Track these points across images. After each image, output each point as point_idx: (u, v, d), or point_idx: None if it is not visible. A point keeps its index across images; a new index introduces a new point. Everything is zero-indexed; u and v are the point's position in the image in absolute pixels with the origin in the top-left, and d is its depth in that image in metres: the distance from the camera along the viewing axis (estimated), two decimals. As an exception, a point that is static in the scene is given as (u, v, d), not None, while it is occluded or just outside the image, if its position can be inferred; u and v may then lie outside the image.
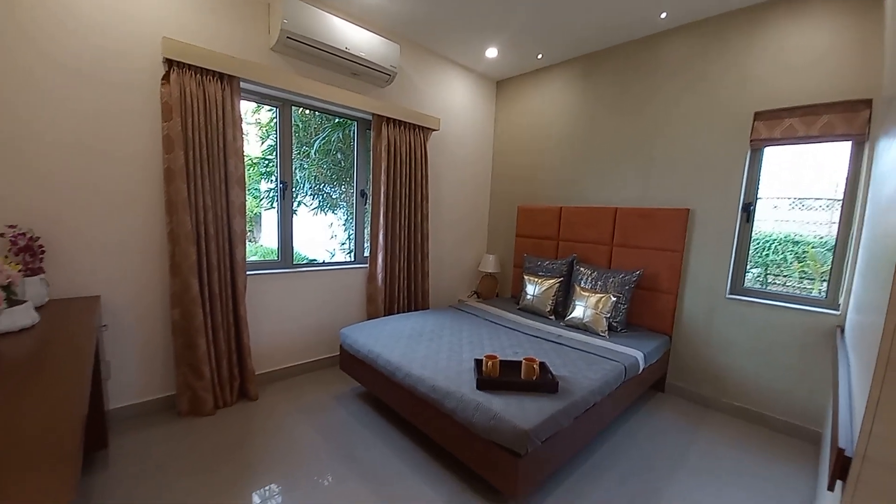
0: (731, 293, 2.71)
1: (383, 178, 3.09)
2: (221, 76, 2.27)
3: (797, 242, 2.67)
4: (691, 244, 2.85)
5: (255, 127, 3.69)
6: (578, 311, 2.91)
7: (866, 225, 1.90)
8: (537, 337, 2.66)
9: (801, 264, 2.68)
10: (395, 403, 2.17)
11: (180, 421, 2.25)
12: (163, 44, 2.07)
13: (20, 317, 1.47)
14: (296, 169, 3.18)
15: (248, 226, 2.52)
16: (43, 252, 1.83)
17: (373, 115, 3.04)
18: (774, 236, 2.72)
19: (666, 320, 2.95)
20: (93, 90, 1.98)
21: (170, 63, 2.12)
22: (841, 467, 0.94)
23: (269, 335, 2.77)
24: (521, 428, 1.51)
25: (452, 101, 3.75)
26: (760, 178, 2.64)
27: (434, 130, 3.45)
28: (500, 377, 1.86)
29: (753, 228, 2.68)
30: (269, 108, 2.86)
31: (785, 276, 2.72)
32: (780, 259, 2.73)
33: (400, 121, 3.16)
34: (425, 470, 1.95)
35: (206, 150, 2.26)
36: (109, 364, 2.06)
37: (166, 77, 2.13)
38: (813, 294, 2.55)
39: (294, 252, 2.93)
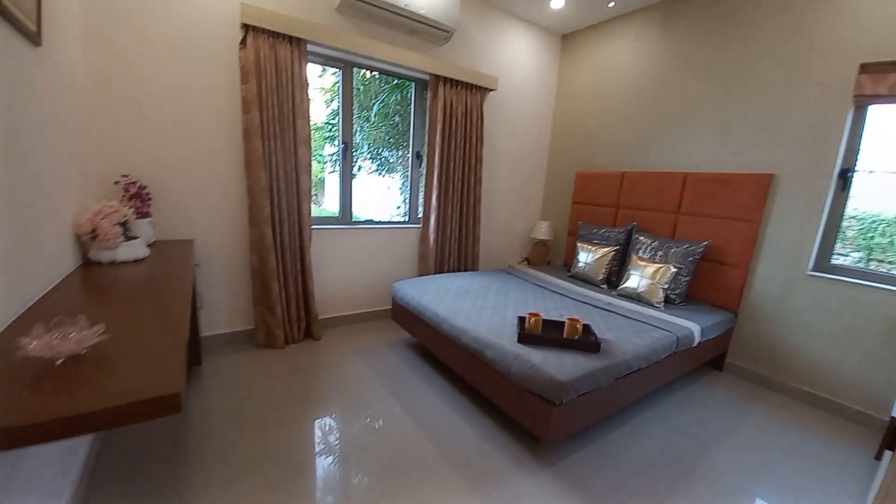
0: (814, 270, 2.44)
1: (438, 139, 3.13)
2: (290, 39, 2.42)
3: None
4: (771, 214, 2.58)
5: (319, 93, 3.88)
6: (633, 281, 2.81)
7: None
8: (585, 303, 2.63)
9: None
10: (441, 352, 2.32)
11: (257, 351, 2.60)
12: (241, 9, 2.24)
13: (136, 249, 1.78)
14: (356, 132, 3.32)
15: (312, 189, 2.72)
16: (150, 198, 2.16)
17: (430, 75, 3.05)
18: (884, 217, 2.34)
19: (732, 296, 2.74)
20: (183, 57, 2.22)
21: (246, 28, 2.29)
22: (892, 436, 0.88)
23: (330, 285, 3.03)
24: (557, 379, 1.55)
25: (512, 59, 3.61)
26: (862, 141, 2.28)
27: (491, 90, 3.38)
28: (541, 334, 1.90)
29: (850, 201, 2.34)
30: (332, 70, 2.98)
31: (890, 262, 2.34)
32: (888, 243, 2.35)
33: (457, 80, 3.14)
34: (465, 411, 2.10)
35: (278, 111, 2.45)
36: (202, 296, 2.43)
37: (243, 42, 2.32)
38: None
39: (353, 211, 3.13)
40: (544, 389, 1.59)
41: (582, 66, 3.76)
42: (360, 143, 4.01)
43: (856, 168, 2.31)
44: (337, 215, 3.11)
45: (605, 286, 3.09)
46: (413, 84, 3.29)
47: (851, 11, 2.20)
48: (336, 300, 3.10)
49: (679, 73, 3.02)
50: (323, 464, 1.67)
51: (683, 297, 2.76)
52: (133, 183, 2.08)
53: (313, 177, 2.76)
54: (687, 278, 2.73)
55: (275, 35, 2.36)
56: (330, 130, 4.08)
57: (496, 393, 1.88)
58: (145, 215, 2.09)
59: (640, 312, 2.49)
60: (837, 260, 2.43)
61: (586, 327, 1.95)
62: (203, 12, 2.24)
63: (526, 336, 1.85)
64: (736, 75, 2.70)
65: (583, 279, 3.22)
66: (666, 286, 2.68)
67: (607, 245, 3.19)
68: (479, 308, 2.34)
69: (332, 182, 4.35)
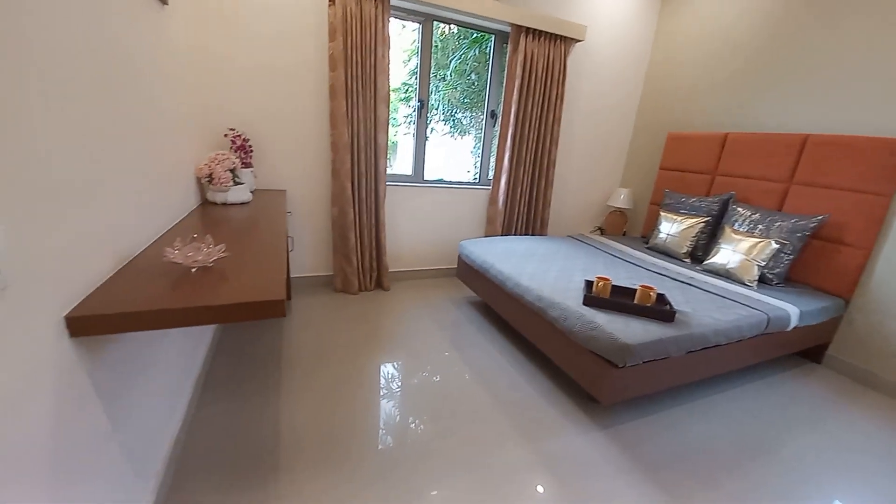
0: (968, 256, 2.00)
1: (515, 96, 3.03)
2: (374, -7, 2.46)
3: None
4: (915, 186, 2.13)
5: (397, 53, 3.91)
6: (723, 256, 2.55)
7: None
8: (663, 275, 2.46)
9: None
10: (503, 310, 2.37)
11: (335, 294, 2.88)
12: (329, -35, 2.31)
13: (242, 193, 2.04)
14: (431, 91, 3.33)
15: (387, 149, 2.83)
16: (251, 151, 2.43)
17: (511, 25, 2.91)
18: None
19: (845, 280, 2.37)
20: (277, 17, 2.38)
21: (334, -16, 2.37)
22: None
23: (400, 240, 3.20)
24: (621, 341, 1.52)
25: (604, 5, 3.28)
26: None
27: (578, 41, 3.13)
28: (609, 298, 1.85)
29: None
30: (412, 27, 2.98)
31: None
32: None
33: (539, 31, 2.96)
34: (524, 368, 2.15)
35: (361, 68, 2.55)
36: (292, 239, 2.73)
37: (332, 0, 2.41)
38: None
39: (424, 171, 3.21)
40: (606, 350, 1.56)
41: (686, 13, 3.30)
42: (435, 104, 4.01)
43: None
44: (409, 174, 3.21)
45: (687, 260, 2.85)
46: (493, 37, 3.18)
47: None
48: (405, 255, 3.27)
49: (802, 16, 2.52)
50: (385, 405, 1.83)
51: (783, 277, 2.45)
52: (238, 136, 2.34)
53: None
54: (790, 256, 2.41)
55: (360, -10, 2.41)
56: (406, 91, 4.14)
57: (556, 351, 1.89)
58: (248, 165, 2.37)
59: (726, 289, 2.27)
60: None
61: (661, 296, 1.85)
62: (297, -29, 2.35)
63: (592, 298, 1.81)
64: (876, 17, 2.18)
65: (663, 251, 3.00)
66: (763, 263, 2.39)
67: (696, 216, 2.90)
68: (545, 270, 2.32)
69: (405, 144, 4.46)
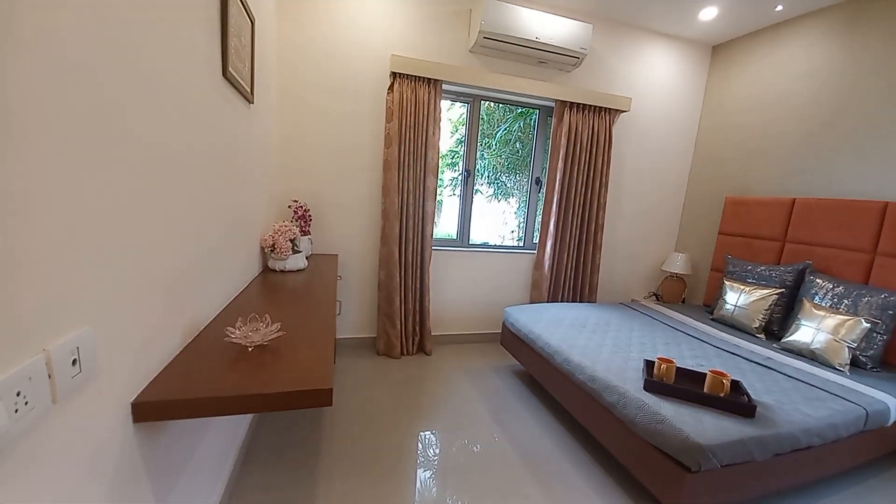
0: None
1: (560, 164, 3.08)
2: (429, 81, 2.70)
3: None
4: None
5: (446, 124, 4.20)
6: (805, 334, 2.26)
7: None
8: (734, 354, 2.21)
9: None
10: (550, 385, 2.21)
11: (377, 358, 2.87)
12: (391, 60, 2.60)
13: (299, 261, 2.17)
14: (477, 159, 3.48)
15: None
16: (311, 219, 2.62)
17: (555, 101, 3.04)
18: None
19: (971, 371, 1.99)
20: (340, 102, 2.68)
21: (394, 75, 2.65)
22: None
23: (444, 303, 3.19)
24: (694, 441, 1.34)
25: (648, 77, 3.37)
26: None
27: (623, 112, 3.19)
28: (674, 384, 1.67)
29: None
30: (461, 104, 3.22)
31: None
32: None
33: (584, 104, 3.06)
34: (572, 453, 1.95)
35: (413, 144, 2.74)
36: (340, 304, 2.81)
37: (391, 87, 2.68)
38: None
39: (470, 235, 3.26)
40: (677, 450, 1.38)
41: (738, 78, 3.29)
42: (481, 170, 4.18)
43: None
44: (454, 237, 3.28)
45: (762, 336, 2.56)
46: (538, 111, 3.33)
47: None
48: (448, 319, 3.24)
49: (874, 80, 2.40)
50: (422, 476, 1.74)
51: (878, 361, 2.12)
52: (301, 206, 2.55)
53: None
54: (885, 337, 2.10)
55: (416, 79, 2.67)
56: (452, 158, 4.38)
57: (614, 442, 1.70)
58: (306, 233, 2.54)
59: (813, 375, 1.98)
60: None
61: (735, 384, 1.64)
62: (361, 64, 2.67)
63: (654, 384, 1.64)
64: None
65: (731, 325, 2.72)
66: (853, 345, 2.09)
67: (768, 286, 2.65)
68: (598, 344, 2.17)
69: (449, 204, 4.62)
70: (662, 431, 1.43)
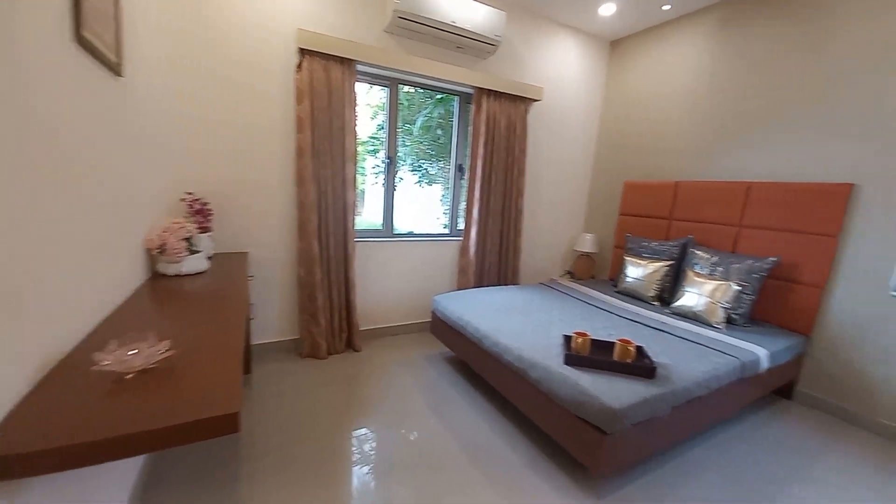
0: (905, 291, 2.15)
1: (481, 151, 3.12)
2: (342, 60, 2.52)
3: None
4: (851, 228, 2.32)
5: (364, 109, 4.01)
6: (689, 299, 2.62)
7: None
8: (636, 321, 2.48)
9: None
10: (482, 369, 2.27)
11: (301, 361, 2.68)
12: (297, 35, 2.37)
13: (198, 263, 1.90)
14: (399, 146, 3.39)
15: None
16: (211, 214, 2.31)
17: (474, 88, 3.05)
18: None
19: (805, 318, 2.48)
20: (242, 79, 2.37)
21: (302, 52, 2.41)
22: None
23: (371, 296, 3.08)
24: (609, 406, 1.46)
25: (558, 68, 3.55)
26: (975, 143, 1.99)
27: (536, 101, 3.33)
28: (589, 355, 1.81)
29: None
30: (379, 87, 3.07)
31: None
32: None
33: (500, 92, 3.12)
34: (506, 432, 2.03)
35: (328, 129, 2.55)
36: (254, 307, 2.55)
37: (300, 66, 2.44)
38: None
39: (394, 224, 3.18)
40: (595, 416, 1.50)
41: (632, 72, 3.62)
42: (403, 157, 4.08)
43: (960, 177, 2.02)
44: (379, 227, 3.17)
45: (656, 303, 2.91)
46: (457, 97, 3.32)
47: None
48: (376, 312, 3.14)
49: (744, 76, 2.81)
50: (359, 475, 1.69)
51: (747, 317, 2.53)
52: (196, 200, 2.23)
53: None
54: (751, 297, 2.51)
55: (328, 57, 2.47)
56: (373, 144, 4.21)
57: (540, 415, 1.80)
58: (206, 230, 2.23)
59: (698, 334, 2.31)
60: (938, 281, 2.13)
61: (639, 349, 1.83)
62: (263, 38, 2.38)
63: (573, 357, 1.77)
64: (811, 77, 2.47)
65: (632, 295, 3.05)
66: (727, 305, 2.47)
67: (659, 259, 3.01)
68: (523, 325, 2.27)
69: (373, 193, 4.47)
70: (582, 401, 1.55)
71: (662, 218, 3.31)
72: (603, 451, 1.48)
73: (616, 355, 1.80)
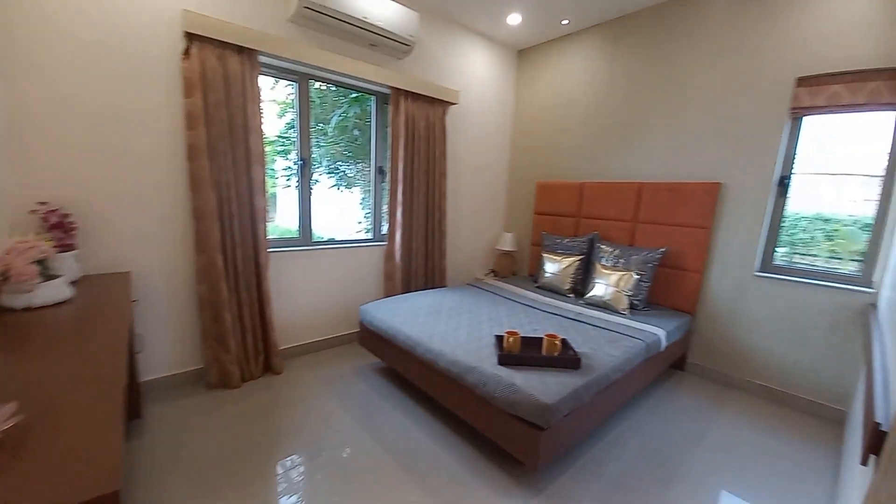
0: (760, 270, 2.62)
1: (401, 154, 3.05)
2: (241, 50, 2.24)
3: (828, 220, 2.54)
4: (721, 220, 2.75)
5: (271, 105, 3.67)
6: (599, 289, 2.87)
7: None
8: (557, 314, 2.64)
9: (830, 243, 2.54)
10: (415, 378, 2.21)
11: (209, 393, 2.34)
12: (182, 17, 2.04)
13: (57, 290, 1.52)
14: (312, 146, 3.17)
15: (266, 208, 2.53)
16: (74, 228, 1.88)
17: (390, 88, 2.97)
18: (803, 214, 2.58)
19: (689, 299, 2.88)
20: (116, 65, 1.98)
21: (190, 37, 2.09)
22: (875, 441, 0.91)
23: (291, 311, 2.82)
24: (543, 402, 1.51)
25: (472, 73, 3.63)
26: (797, 150, 2.50)
27: (453, 104, 3.36)
28: (521, 353, 1.86)
29: (787, 204, 2.56)
30: (287, 82, 2.82)
31: (813, 255, 2.59)
32: (809, 238, 2.60)
33: (418, 94, 3.09)
34: (444, 439, 2.00)
35: (228, 126, 2.26)
36: (142, 337, 2.14)
37: (187, 52, 2.11)
38: (844, 272, 2.42)
39: (312, 230, 2.95)
40: (530, 413, 1.54)
41: (539, 80, 3.86)
42: (318, 158, 3.83)
43: (792, 174, 2.52)
44: (295, 235, 2.91)
45: (571, 295, 3.14)
46: (373, 97, 3.20)
47: (787, 27, 2.40)
48: (298, 327, 2.89)
49: (631, 86, 3.17)
50: None
51: (645, 302, 2.86)
52: (53, 211, 1.80)
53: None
54: (648, 284, 2.83)
55: (223, 45, 2.18)
56: (283, 144, 3.87)
57: (478, 419, 1.80)
58: (69, 248, 1.81)
59: (608, 321, 2.53)
60: (779, 260, 2.63)
61: (564, 342, 1.94)
62: (138, 20, 2.01)
63: (506, 357, 1.80)
64: (683, 89, 2.87)
65: (550, 289, 3.25)
66: (630, 293, 2.76)
67: (572, 255, 3.25)
68: (454, 328, 2.26)
69: (286, 197, 4.12)
70: (518, 400, 1.58)
71: (571, 216, 3.59)
72: (541, 447, 1.52)
73: (544, 350, 1.88)
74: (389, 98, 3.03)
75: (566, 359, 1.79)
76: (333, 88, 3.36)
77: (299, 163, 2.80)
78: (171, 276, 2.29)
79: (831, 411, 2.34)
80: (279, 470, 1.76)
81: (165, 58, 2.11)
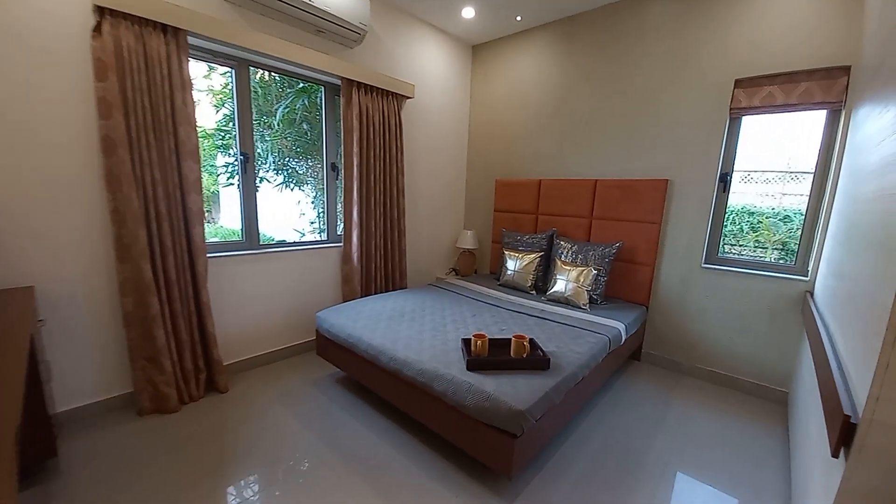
0: (706, 263, 2.77)
1: (356, 149, 2.88)
2: (165, 28, 1.97)
3: (752, 213, 2.75)
4: (669, 215, 2.87)
5: (206, 95, 3.32)
6: (560, 285, 2.89)
7: (843, 192, 1.94)
8: (520, 312, 2.62)
9: (755, 234, 2.76)
10: (379, 388, 2.08)
11: (141, 420, 2.05)
12: (87, -14, 1.74)
13: (-73, 314, 1.22)
14: (257, 141, 2.91)
15: (205, 205, 2.27)
16: (-47, 236, 1.54)
17: (341, 78, 2.78)
18: (731, 208, 2.77)
19: (643, 291, 2.99)
20: (16, 43, 1.64)
21: (101, 11, 1.79)
22: (847, 435, 0.94)
23: (238, 322, 2.57)
24: (516, 408, 1.45)
25: (427, 67, 3.52)
26: (738, 148, 2.66)
27: (408, 98, 3.23)
28: (489, 356, 1.80)
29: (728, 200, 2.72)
30: (224, 70, 2.54)
31: (741, 245, 2.80)
32: (737, 230, 2.81)
33: (372, 86, 2.93)
34: (413, 451, 1.89)
35: (152, 115, 1.98)
36: (49, 364, 1.82)
37: (98, 29, 1.81)
38: (770, 260, 2.64)
39: (260, 232, 2.70)
40: (503, 421, 1.48)
41: (494, 77, 3.83)
42: (264, 154, 3.54)
43: (733, 171, 2.67)
44: (240, 238, 2.65)
45: (533, 292, 3.15)
46: (322, 88, 2.99)
47: (726, 31, 2.52)
48: (246, 339, 2.64)
49: (584, 84, 3.22)
50: None
51: (603, 296, 2.92)
52: (-81, 216, 1.45)
53: (205, 190, 2.31)
54: (605, 278, 2.90)
55: (142, 22, 1.89)
56: (223, 138, 3.53)
57: (448, 429, 1.72)
58: (-56, 261, 1.48)
59: (571, 317, 2.56)
60: (723, 253, 2.80)
61: (532, 342, 1.90)
62: (28, -15, 1.68)
63: (475, 362, 1.73)
64: (633, 89, 2.96)
65: (513, 287, 3.24)
66: (589, 288, 2.81)
67: (532, 251, 3.26)
68: (418, 332, 2.16)
69: (228, 195, 3.79)
70: (489, 407, 1.51)
71: (530, 213, 3.60)
72: (515, 455, 1.47)
73: (513, 352, 1.83)
74: (341, 89, 2.84)
75: (536, 360, 1.75)
76: (278, 78, 3.11)
77: (241, 158, 2.54)
78: (90, 290, 1.97)
79: (775, 392, 2.53)
80: (231, 494, 1.56)
81: (74, 35, 1.80)
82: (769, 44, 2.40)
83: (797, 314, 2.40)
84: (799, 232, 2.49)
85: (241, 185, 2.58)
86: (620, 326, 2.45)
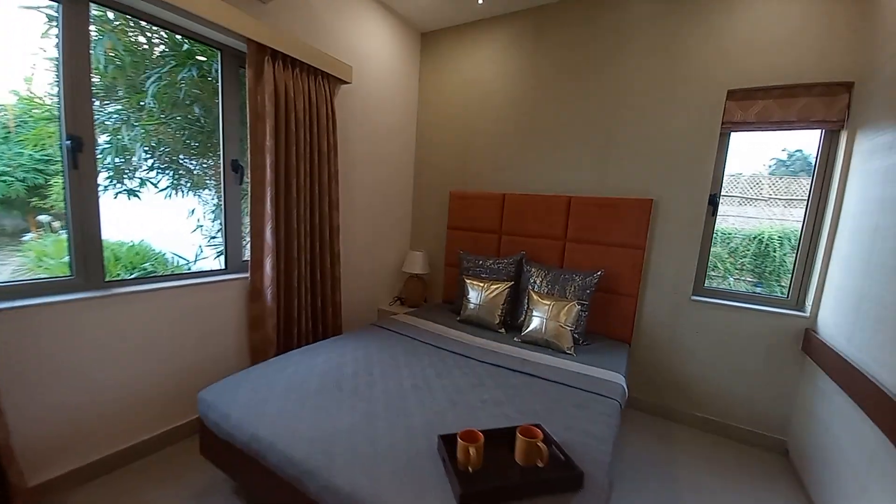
0: (694, 295, 2.45)
1: (269, 143, 2.05)
2: None
3: (728, 235, 2.55)
4: (654, 240, 2.52)
5: (18, 44, 2.21)
6: (536, 323, 2.36)
7: (857, 221, 1.71)
8: (497, 366, 2.02)
9: (730, 259, 2.56)
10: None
11: None
12: None
13: None
14: (122, 126, 1.96)
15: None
16: None
17: (248, 42, 1.96)
18: (719, 231, 2.54)
19: (625, 326, 2.59)
20: None
21: None
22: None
23: (59, 411, 1.57)
24: None
25: (368, 49, 2.81)
26: (726, 166, 2.38)
27: (345, 83, 2.49)
28: (487, 472, 1.15)
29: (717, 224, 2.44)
30: (42, 5, 1.57)
31: (721, 274, 2.57)
32: (725, 255, 2.58)
33: (294, 59, 2.14)
34: None
35: None
36: None
37: None
38: (776, 294, 2.40)
39: (104, 263, 1.74)
40: None
41: (448, 71, 3.24)
42: (130, 145, 2.49)
43: (722, 192, 2.39)
44: (68, 274, 1.66)
45: (503, 330, 2.58)
46: (219, 54, 2.12)
47: (719, 34, 2.24)
48: (76, 438, 1.64)
49: (557, 84, 2.77)
50: None
51: (584, 334, 2.46)
52: None
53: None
54: (586, 313, 2.44)
55: None
56: (45, 111, 2.40)
57: None
58: None
59: (561, 369, 2.03)
60: (709, 284, 2.50)
61: (546, 437, 1.29)
62: None
63: (471, 494, 1.05)
64: (614, 92, 2.58)
65: (477, 324, 2.64)
66: (572, 327, 2.32)
67: (498, 280, 2.70)
68: (367, 420, 1.43)
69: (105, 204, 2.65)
70: None
71: (492, 232, 3.06)
72: None
73: (521, 457, 1.20)
74: (247, 58, 2.00)
75: (564, 479, 1.14)
76: (143, 28, 2.14)
77: (68, 143, 1.58)
78: None
79: (769, 440, 2.25)
80: None
81: None
82: (768, 52, 2.14)
83: (795, 353, 2.15)
84: (780, 257, 2.28)
85: (67, 187, 1.60)
86: (619, 379, 1.98)
